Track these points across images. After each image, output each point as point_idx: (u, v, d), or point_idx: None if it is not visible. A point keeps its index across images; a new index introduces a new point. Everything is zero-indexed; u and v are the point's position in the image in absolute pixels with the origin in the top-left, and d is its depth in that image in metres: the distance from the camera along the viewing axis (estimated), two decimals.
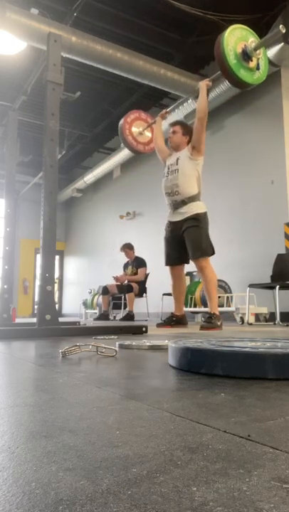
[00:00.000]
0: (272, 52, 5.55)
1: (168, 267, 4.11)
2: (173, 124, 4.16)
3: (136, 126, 4.54)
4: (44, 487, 0.39)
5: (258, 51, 3.27)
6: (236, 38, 3.23)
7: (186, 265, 4.16)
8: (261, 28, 5.81)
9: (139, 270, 7.04)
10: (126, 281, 6.95)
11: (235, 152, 6.66)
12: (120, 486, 0.39)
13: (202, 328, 3.65)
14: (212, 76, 3.88)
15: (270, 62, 5.63)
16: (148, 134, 4.61)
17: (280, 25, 3.33)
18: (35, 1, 5.66)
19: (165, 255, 4.09)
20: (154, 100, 8.39)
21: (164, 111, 4.44)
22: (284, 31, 3.28)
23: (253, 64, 3.29)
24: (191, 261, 3.98)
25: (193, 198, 3.84)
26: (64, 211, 13.21)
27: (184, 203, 3.84)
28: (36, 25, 5.28)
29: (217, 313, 3.79)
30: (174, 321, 4.09)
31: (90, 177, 10.76)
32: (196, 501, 0.35)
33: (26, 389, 0.92)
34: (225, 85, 6.29)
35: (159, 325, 4.14)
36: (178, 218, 3.88)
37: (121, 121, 4.55)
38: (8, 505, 0.35)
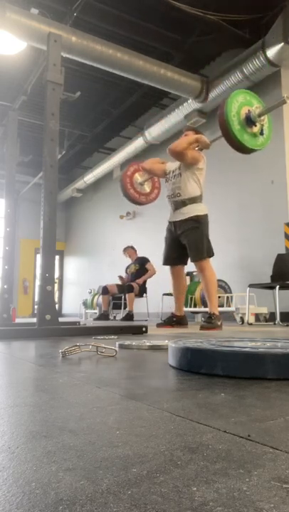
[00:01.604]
0: (272, 52, 5.55)
1: (169, 267, 4.13)
2: (186, 129, 4.23)
3: (136, 178, 4.57)
4: (44, 487, 0.39)
5: (262, 117, 3.25)
6: (239, 103, 3.21)
7: (186, 265, 4.17)
8: (261, 28, 5.83)
9: (147, 265, 7.05)
10: (140, 282, 6.93)
11: (234, 152, 6.66)
12: (120, 486, 0.39)
13: (202, 328, 3.66)
14: (214, 139, 3.79)
15: (270, 63, 5.65)
16: (148, 186, 4.63)
17: (285, 96, 3.25)
18: (35, 1, 5.66)
19: (164, 255, 4.11)
20: (154, 100, 8.38)
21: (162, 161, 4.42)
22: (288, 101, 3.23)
23: (256, 129, 3.25)
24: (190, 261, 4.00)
25: (194, 200, 3.86)
26: (64, 211, 13.21)
27: (184, 203, 3.87)
28: (36, 25, 5.28)
29: (217, 313, 3.80)
30: (175, 321, 4.10)
31: (90, 177, 10.76)
32: (196, 501, 0.35)
33: (26, 389, 0.92)
34: (225, 85, 6.29)
35: (159, 325, 4.15)
36: (178, 218, 3.90)
37: (121, 176, 4.58)
38: (8, 505, 0.35)
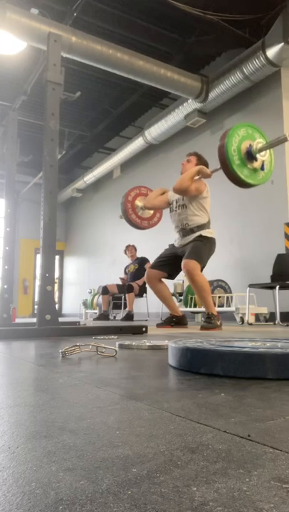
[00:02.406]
0: (272, 52, 5.55)
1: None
2: (189, 154, 4.20)
3: (137, 203, 4.58)
4: (44, 487, 0.39)
5: (262, 152, 3.19)
6: (241, 137, 3.14)
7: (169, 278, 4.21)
8: (261, 28, 5.84)
9: (146, 266, 7.05)
10: (141, 283, 6.95)
11: None
12: (120, 486, 0.39)
13: (202, 328, 3.67)
14: (213, 170, 3.75)
15: (270, 63, 5.65)
16: (149, 213, 4.65)
17: (286, 134, 3.18)
18: (35, 1, 5.66)
19: (156, 260, 4.15)
20: (154, 100, 8.39)
21: (165, 188, 4.40)
22: None
23: (257, 164, 3.19)
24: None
25: (202, 227, 3.90)
26: (64, 211, 13.21)
27: (192, 231, 3.90)
28: (36, 25, 5.28)
29: (215, 313, 3.80)
30: (174, 321, 4.11)
31: (90, 177, 10.76)
32: (196, 501, 0.35)
33: (26, 389, 0.92)
34: (225, 85, 6.29)
35: (158, 325, 4.16)
36: (185, 243, 3.92)
37: (122, 201, 4.58)
38: (8, 505, 0.35)
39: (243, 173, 3.13)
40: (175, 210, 4.03)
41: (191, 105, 6.96)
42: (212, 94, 6.55)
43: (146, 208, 4.34)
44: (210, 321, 3.70)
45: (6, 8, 5.09)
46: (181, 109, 7.19)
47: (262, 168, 3.22)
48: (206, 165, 4.02)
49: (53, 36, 3.40)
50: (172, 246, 4.15)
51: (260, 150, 3.18)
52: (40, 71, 6.62)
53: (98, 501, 0.36)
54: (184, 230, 3.93)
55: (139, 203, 4.57)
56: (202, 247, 3.80)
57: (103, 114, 8.95)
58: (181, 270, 4.01)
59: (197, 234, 3.86)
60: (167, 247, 4.28)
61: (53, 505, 0.35)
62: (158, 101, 8.40)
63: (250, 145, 3.15)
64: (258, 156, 3.17)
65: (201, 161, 4.08)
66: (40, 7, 5.66)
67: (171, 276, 4.14)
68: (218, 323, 3.74)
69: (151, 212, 4.63)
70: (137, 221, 4.58)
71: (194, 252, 3.76)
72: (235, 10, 5.69)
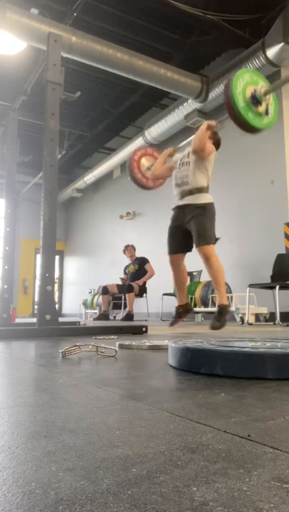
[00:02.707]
0: (272, 52, 5.55)
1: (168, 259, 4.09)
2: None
3: (143, 163, 4.58)
4: (44, 487, 0.39)
5: (267, 96, 3.25)
6: (245, 82, 3.22)
7: (186, 266, 4.16)
8: (261, 28, 5.83)
9: (146, 266, 7.05)
10: (141, 283, 6.94)
11: (235, 152, 6.66)
12: (120, 486, 0.39)
13: (213, 328, 3.51)
14: (220, 119, 3.82)
15: (270, 63, 5.65)
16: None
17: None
18: (35, 1, 5.66)
19: (168, 244, 4.07)
20: (154, 100, 8.39)
21: (172, 149, 4.40)
22: None
23: (262, 109, 3.26)
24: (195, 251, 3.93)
25: (201, 190, 3.84)
26: (64, 211, 13.21)
27: (191, 192, 3.84)
28: (36, 25, 5.28)
29: (226, 303, 3.72)
30: (182, 311, 4.08)
31: (90, 177, 10.76)
32: (196, 501, 0.35)
33: (26, 389, 0.92)
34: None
35: (172, 323, 4.09)
36: (184, 203, 3.87)
37: (128, 161, 4.57)
38: (8, 505, 0.35)
39: (248, 116, 3.20)
40: (178, 167, 3.98)
41: (191, 105, 6.96)
42: (212, 94, 6.55)
43: (154, 178, 4.28)
44: (220, 319, 3.56)
45: (6, 8, 5.09)
46: (181, 109, 7.19)
47: (266, 113, 3.29)
48: (219, 141, 4.02)
49: (53, 36, 3.40)
50: (174, 213, 4.05)
51: (265, 93, 3.25)
52: (40, 71, 6.62)
53: (98, 501, 0.36)
54: (183, 191, 3.88)
55: (145, 162, 4.56)
56: (206, 222, 3.76)
57: (103, 114, 8.95)
58: (192, 242, 3.91)
59: (197, 202, 3.79)
60: (167, 246, 4.22)
61: (53, 505, 0.35)
62: (158, 101, 8.40)
63: (254, 90, 3.23)
64: (262, 100, 3.24)
65: (216, 136, 4.06)
66: (40, 7, 5.66)
67: (190, 250, 4.07)
68: (226, 318, 3.67)
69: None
70: (143, 181, 4.58)
71: (201, 235, 3.72)
72: (235, 10, 5.69)
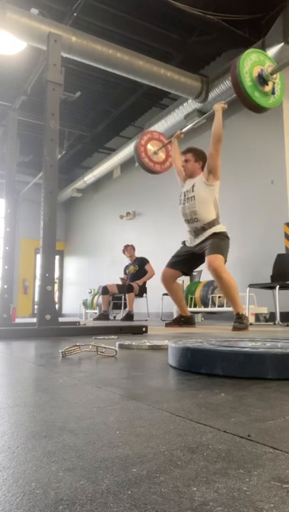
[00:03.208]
0: (272, 52, 5.55)
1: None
2: (184, 153, 4.13)
3: (149, 147, 4.58)
4: (44, 487, 0.39)
5: (274, 75, 3.28)
6: (252, 61, 3.25)
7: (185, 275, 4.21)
8: (261, 28, 5.83)
9: (146, 266, 7.05)
10: (141, 283, 6.95)
11: (235, 152, 6.66)
12: (120, 486, 0.39)
13: (235, 329, 3.51)
14: (227, 99, 3.85)
15: None
16: (162, 154, 4.64)
17: None
18: (35, 1, 5.66)
19: (171, 259, 4.09)
20: (154, 100, 8.39)
21: (179, 132, 4.42)
22: None
23: (268, 88, 3.30)
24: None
25: (212, 223, 3.82)
26: (64, 211, 13.21)
27: (204, 229, 3.83)
28: (36, 25, 5.28)
29: (244, 312, 3.68)
30: (182, 321, 4.13)
31: (90, 177, 10.76)
32: (196, 501, 0.35)
33: (26, 389, 0.92)
34: (225, 85, 6.29)
35: (167, 324, 4.20)
36: (199, 240, 3.85)
37: (135, 144, 4.58)
38: (8, 505, 0.35)
39: (255, 95, 3.24)
40: (183, 203, 3.95)
41: (191, 105, 6.96)
42: (212, 94, 6.55)
43: (176, 167, 4.27)
44: (241, 321, 3.54)
45: (6, 8, 5.09)
46: (181, 109, 7.19)
47: (273, 93, 3.32)
48: (203, 157, 3.99)
49: (53, 36, 3.40)
50: (185, 246, 4.06)
51: (272, 72, 3.28)
52: (40, 71, 6.63)
53: (98, 501, 0.36)
54: (196, 228, 3.86)
55: (151, 147, 4.56)
56: (221, 242, 3.74)
57: (103, 114, 8.95)
58: (196, 267, 3.98)
59: (211, 231, 3.78)
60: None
61: (53, 505, 0.35)
62: (158, 101, 8.40)
63: (261, 69, 3.27)
64: (269, 79, 3.27)
65: (198, 155, 4.05)
66: (40, 7, 5.66)
67: (188, 272, 4.12)
68: (248, 323, 3.67)
69: (164, 156, 4.63)
70: (150, 164, 4.59)
71: (216, 247, 3.69)
72: (235, 10, 5.69)
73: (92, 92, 8.09)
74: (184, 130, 4.55)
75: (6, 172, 4.75)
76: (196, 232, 3.88)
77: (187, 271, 4.17)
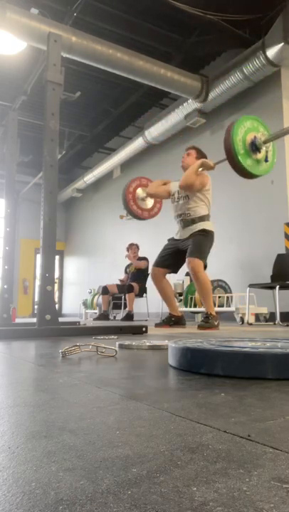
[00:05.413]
0: (272, 52, 5.55)
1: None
2: (188, 148, 4.22)
3: (138, 193, 4.59)
4: (44, 487, 0.39)
5: (267, 144, 3.29)
6: (246, 128, 3.25)
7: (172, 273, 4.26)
8: (261, 28, 5.83)
9: (143, 261, 7.11)
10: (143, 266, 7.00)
11: None
12: (120, 486, 0.39)
13: (200, 327, 3.72)
14: (217, 161, 3.82)
15: (270, 63, 5.65)
16: (149, 202, 4.65)
17: None
18: (35, 1, 5.65)
19: (157, 257, 4.19)
20: (154, 100, 8.38)
21: (168, 180, 4.43)
22: None
23: (261, 155, 3.30)
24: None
25: (202, 218, 3.96)
26: (64, 211, 13.21)
27: (193, 221, 3.96)
28: (36, 25, 5.28)
29: (214, 313, 3.87)
30: (173, 321, 4.14)
31: (90, 177, 10.76)
32: (196, 501, 0.35)
33: (26, 389, 0.92)
34: (225, 85, 6.29)
35: (157, 325, 4.19)
36: (185, 235, 3.97)
37: (123, 192, 4.59)
38: (8, 505, 0.35)
39: (247, 163, 3.23)
40: (177, 201, 4.07)
41: (191, 105, 6.96)
42: (212, 94, 6.55)
43: (149, 194, 4.35)
44: (207, 321, 3.77)
45: (6, 8, 5.09)
46: (181, 109, 7.18)
47: (265, 160, 3.33)
48: (205, 157, 4.07)
49: (53, 36, 3.40)
50: (172, 240, 4.17)
51: (265, 141, 3.28)
52: (40, 71, 6.62)
53: (98, 501, 0.36)
54: (186, 221, 3.97)
55: (140, 193, 4.58)
56: (203, 241, 3.87)
57: (103, 114, 8.94)
58: (180, 265, 4.04)
59: (198, 227, 3.90)
60: (156, 258, 4.30)
61: (53, 505, 0.35)
62: (158, 101, 8.40)
63: (254, 137, 3.24)
64: (262, 147, 3.25)
65: (201, 153, 4.11)
66: (40, 7, 5.65)
67: (175, 271, 4.20)
68: (216, 323, 3.78)
69: (152, 203, 4.64)
70: (138, 212, 4.61)
71: (197, 249, 3.82)
72: (235, 10, 5.69)
73: (92, 92, 8.09)
74: (174, 180, 4.50)
75: (6, 172, 4.75)
76: (185, 224, 3.98)
77: (175, 269, 4.23)
